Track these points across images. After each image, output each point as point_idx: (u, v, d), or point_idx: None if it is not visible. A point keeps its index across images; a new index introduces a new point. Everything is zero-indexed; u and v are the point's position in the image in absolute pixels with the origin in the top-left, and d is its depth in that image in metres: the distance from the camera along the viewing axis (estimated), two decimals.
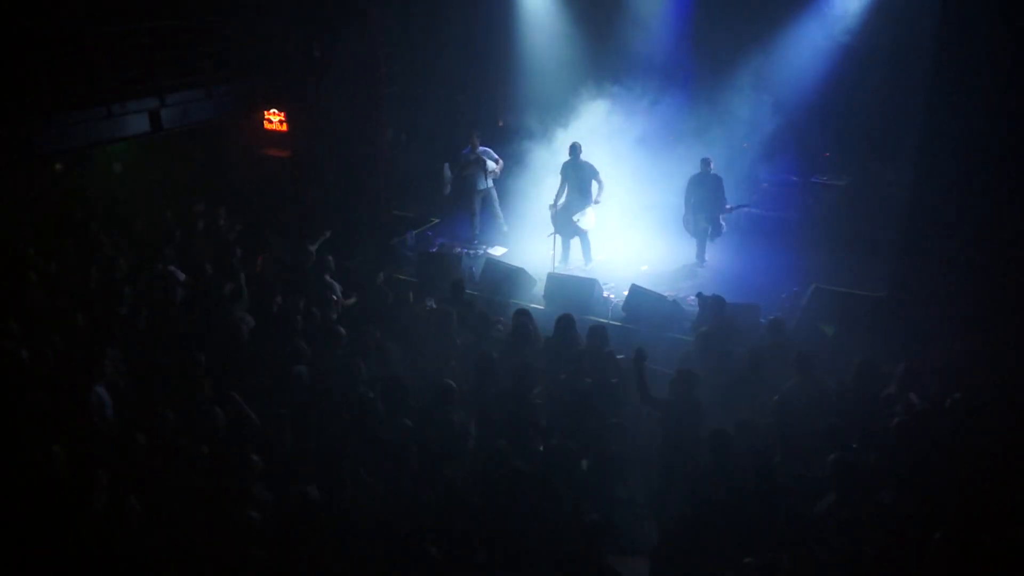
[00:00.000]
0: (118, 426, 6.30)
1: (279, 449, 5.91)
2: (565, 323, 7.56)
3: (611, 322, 9.29)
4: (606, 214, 11.13)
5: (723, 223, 10.68)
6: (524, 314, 7.83)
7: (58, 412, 6.15)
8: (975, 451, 5.50)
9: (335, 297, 8.73)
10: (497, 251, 11.64)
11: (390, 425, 6.04)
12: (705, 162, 10.54)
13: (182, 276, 9.05)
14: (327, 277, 9.02)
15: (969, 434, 5.56)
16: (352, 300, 8.94)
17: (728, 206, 10.61)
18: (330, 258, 9.28)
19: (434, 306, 8.66)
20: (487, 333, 7.81)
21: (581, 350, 7.30)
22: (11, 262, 8.93)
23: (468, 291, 9.26)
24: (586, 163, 10.68)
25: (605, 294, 9.98)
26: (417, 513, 5.18)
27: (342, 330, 7.57)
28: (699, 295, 8.84)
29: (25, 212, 10.58)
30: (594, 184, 10.72)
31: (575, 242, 11.04)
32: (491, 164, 11.72)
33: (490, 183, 11.84)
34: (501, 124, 13.82)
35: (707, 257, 10.85)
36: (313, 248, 9.60)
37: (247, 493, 5.27)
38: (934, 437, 5.60)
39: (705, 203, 10.60)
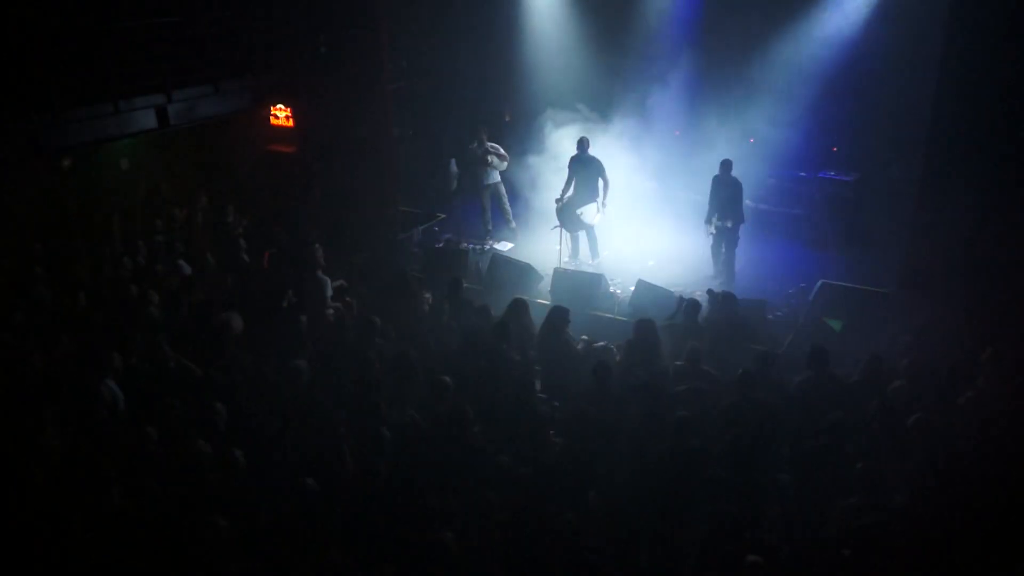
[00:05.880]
0: (129, 420, 6.32)
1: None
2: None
3: (617, 317, 9.29)
4: (613, 209, 11.08)
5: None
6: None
7: (67, 407, 6.16)
8: (996, 451, 5.37)
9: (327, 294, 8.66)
10: (504, 247, 11.63)
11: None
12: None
13: (188, 270, 9.07)
14: (319, 273, 8.94)
15: (990, 434, 5.43)
16: (340, 282, 8.92)
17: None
18: (319, 252, 9.14)
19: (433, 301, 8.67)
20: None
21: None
22: (19, 259, 8.95)
23: (473, 287, 9.23)
24: (593, 158, 10.60)
25: (611, 289, 9.97)
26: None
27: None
28: (709, 291, 8.82)
29: (32, 209, 10.59)
30: (600, 182, 10.58)
31: (582, 237, 11.01)
32: (498, 159, 11.70)
33: (497, 178, 11.83)
34: (508, 119, 13.79)
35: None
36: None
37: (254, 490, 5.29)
38: (953, 436, 5.49)
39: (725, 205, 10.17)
